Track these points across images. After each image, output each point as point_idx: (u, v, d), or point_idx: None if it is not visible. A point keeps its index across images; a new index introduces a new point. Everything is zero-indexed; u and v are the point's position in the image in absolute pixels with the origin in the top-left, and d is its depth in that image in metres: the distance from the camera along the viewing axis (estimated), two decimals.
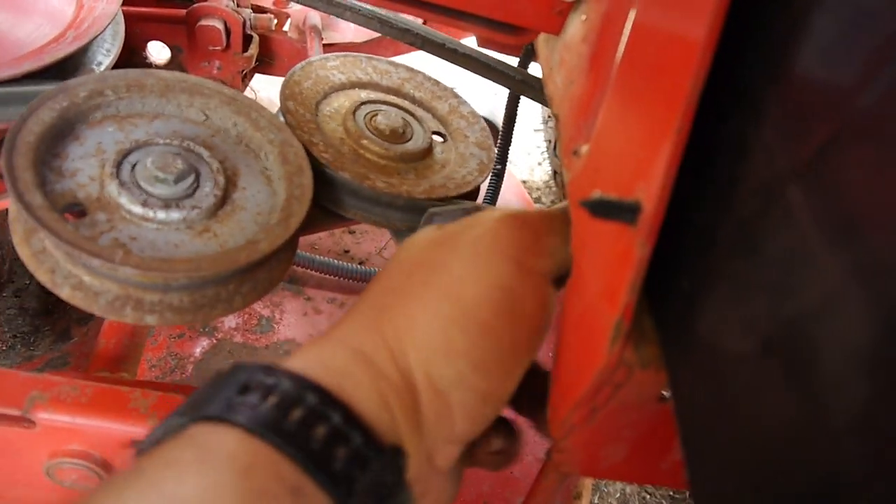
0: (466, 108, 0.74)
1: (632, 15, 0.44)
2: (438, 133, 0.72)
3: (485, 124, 0.73)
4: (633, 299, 0.37)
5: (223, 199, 0.53)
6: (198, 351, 0.94)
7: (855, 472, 0.25)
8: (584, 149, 0.47)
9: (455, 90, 0.76)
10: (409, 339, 0.40)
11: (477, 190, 0.69)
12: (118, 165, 0.50)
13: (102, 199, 0.49)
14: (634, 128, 0.41)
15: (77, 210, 0.48)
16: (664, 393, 0.42)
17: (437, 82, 0.76)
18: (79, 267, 0.47)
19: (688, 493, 1.49)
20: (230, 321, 0.97)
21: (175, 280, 0.46)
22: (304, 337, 0.99)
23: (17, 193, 0.44)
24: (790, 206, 0.30)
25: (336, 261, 1.06)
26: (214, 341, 0.95)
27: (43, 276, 0.47)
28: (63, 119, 0.50)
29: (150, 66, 1.05)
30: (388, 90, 0.73)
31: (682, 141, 0.35)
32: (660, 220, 0.36)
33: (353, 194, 0.62)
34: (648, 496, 1.45)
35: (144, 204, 0.49)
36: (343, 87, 0.70)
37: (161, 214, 0.49)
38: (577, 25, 0.53)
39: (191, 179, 0.51)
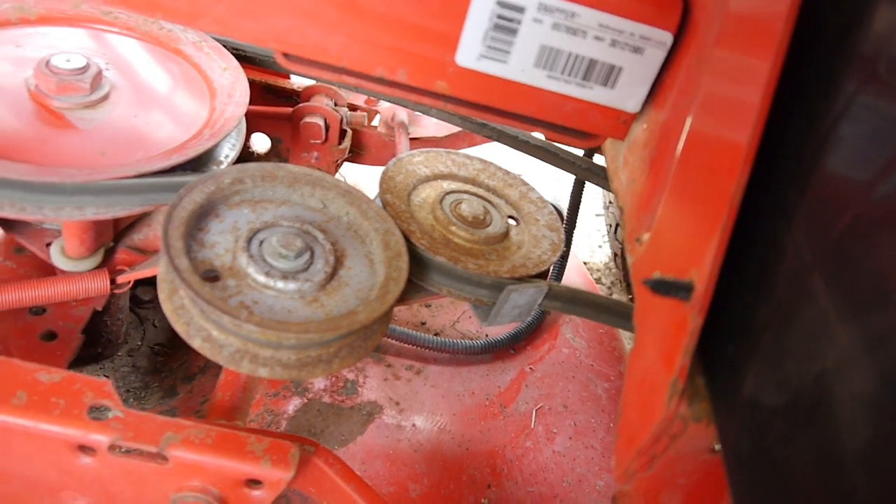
0: (535, 195, 0.83)
1: (688, 122, 0.53)
2: (512, 217, 0.81)
3: (552, 208, 0.82)
4: (688, 362, 0.45)
5: (331, 276, 0.62)
6: (291, 408, 1.03)
7: (869, 500, 0.32)
8: (646, 237, 0.56)
9: (523, 177, 0.85)
10: None
11: (547, 271, 0.77)
12: (249, 241, 0.60)
13: (234, 268, 0.58)
14: (689, 220, 0.49)
15: (212, 276, 0.57)
16: (715, 446, 0.49)
17: (507, 172, 0.85)
18: (209, 322, 0.56)
19: None
20: (319, 383, 1.07)
21: (287, 339, 0.56)
22: (384, 399, 1.08)
23: (169, 257, 0.54)
24: (813, 290, 0.38)
25: (414, 331, 1.15)
26: (305, 400, 1.05)
27: (180, 328, 0.57)
28: (210, 200, 0.61)
29: (252, 154, 1.18)
30: (465, 180, 0.83)
31: (727, 232, 0.44)
32: (710, 297, 0.44)
33: (446, 274, 0.70)
34: None
35: (267, 274, 0.58)
36: (428, 179, 0.81)
37: (280, 284, 0.58)
38: (639, 132, 0.63)
39: (307, 256, 0.61)
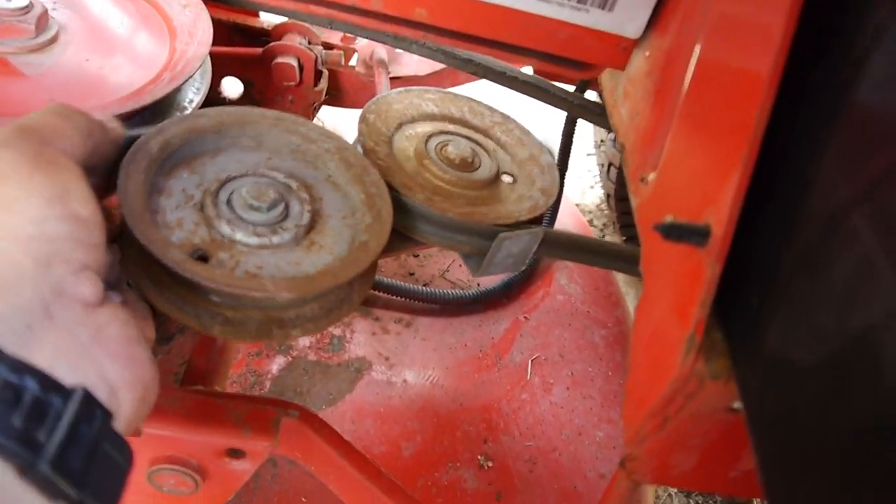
0: (546, 160, 0.77)
1: (696, 51, 0.47)
2: (509, 174, 0.75)
3: (556, 176, 0.76)
4: (705, 315, 0.41)
5: (316, 214, 0.56)
6: (275, 368, 0.99)
7: None
8: (652, 176, 0.51)
9: (543, 144, 0.79)
10: None
11: (541, 217, 0.72)
12: (215, 206, 0.53)
13: (216, 239, 0.51)
14: (702, 157, 0.44)
15: (201, 255, 0.50)
16: (734, 404, 0.44)
17: (527, 132, 0.79)
18: (220, 306, 0.50)
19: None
20: (304, 340, 1.02)
21: (313, 292, 0.50)
22: (373, 354, 1.04)
23: (157, 255, 0.46)
24: (855, 230, 0.33)
25: (402, 282, 1.10)
26: (290, 359, 1.00)
27: (192, 323, 0.50)
28: (148, 177, 0.52)
29: (224, 100, 1.12)
30: (475, 128, 0.77)
31: (749, 170, 0.38)
32: (728, 242, 0.39)
33: (421, 218, 0.65)
34: None
35: (256, 234, 0.52)
36: (433, 118, 0.75)
37: (275, 239, 0.52)
38: (640, 61, 0.57)
39: (282, 203, 0.55)
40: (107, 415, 0.38)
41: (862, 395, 0.31)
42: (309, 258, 0.53)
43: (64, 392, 0.36)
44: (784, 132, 0.39)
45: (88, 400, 0.37)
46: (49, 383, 0.35)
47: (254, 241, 0.52)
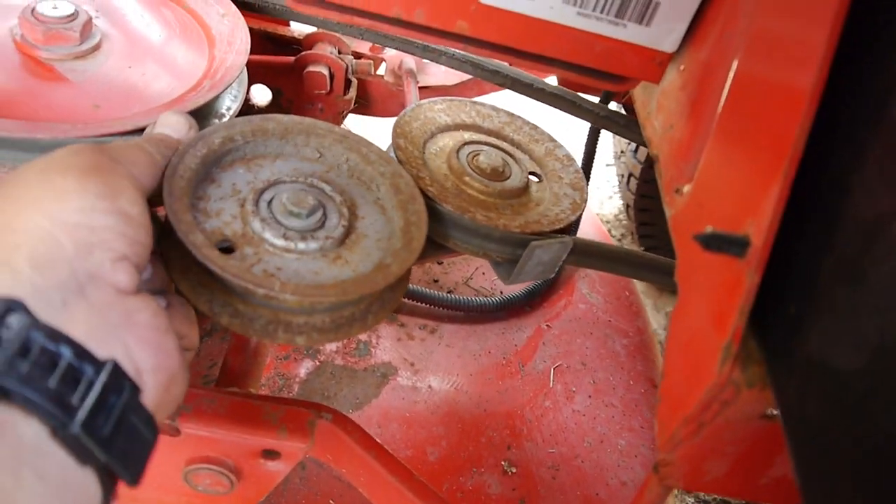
0: (562, 152, 0.79)
1: (734, 65, 0.48)
2: (534, 174, 0.76)
3: (579, 167, 0.78)
4: (742, 324, 0.41)
5: (349, 229, 0.58)
6: (302, 372, 1.00)
7: None
8: (687, 188, 0.52)
9: (552, 135, 0.81)
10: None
11: (570, 226, 0.73)
12: (256, 203, 0.55)
13: (247, 234, 0.54)
14: (741, 169, 0.45)
15: (227, 246, 0.53)
16: (769, 411, 0.45)
17: (535, 126, 0.81)
18: (233, 297, 0.52)
19: None
20: (331, 345, 1.04)
21: (322, 304, 0.52)
22: (398, 360, 1.05)
23: (182, 234, 0.49)
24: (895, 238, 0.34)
25: (427, 289, 1.11)
26: (317, 363, 1.02)
27: (202, 307, 0.52)
28: (204, 164, 0.56)
29: (252, 107, 1.13)
30: (489, 132, 0.78)
31: (789, 182, 0.39)
32: (768, 252, 0.40)
33: (454, 226, 0.67)
34: None
35: (285, 237, 0.54)
36: (448, 128, 0.76)
37: (301, 245, 0.54)
38: (675, 74, 0.58)
39: (320, 212, 0.57)
40: (135, 388, 0.40)
41: None
42: (330, 270, 0.54)
43: (96, 362, 0.38)
44: (825, 139, 0.40)
45: (118, 372, 0.39)
46: (83, 352, 0.38)
47: (280, 242, 0.53)
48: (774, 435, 0.46)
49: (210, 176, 0.57)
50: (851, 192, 0.38)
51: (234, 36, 0.81)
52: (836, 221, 0.39)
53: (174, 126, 0.55)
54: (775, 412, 0.44)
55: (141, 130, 0.66)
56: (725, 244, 0.43)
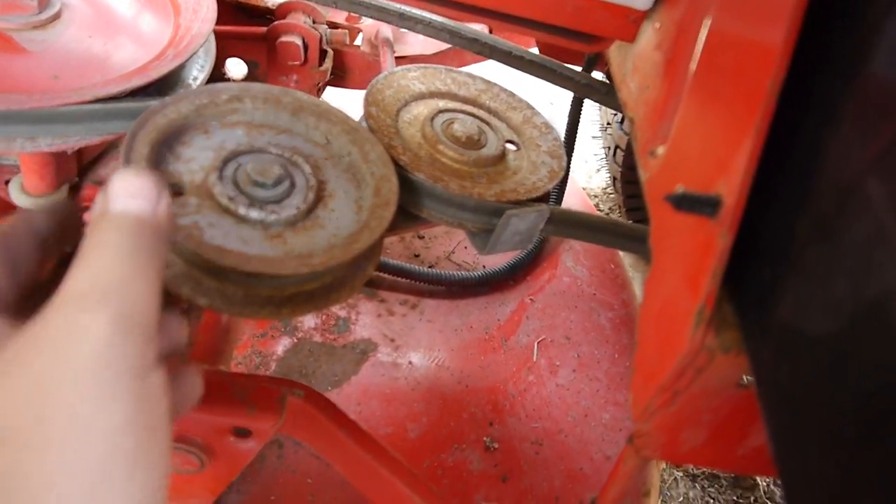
0: (540, 119, 0.77)
1: (706, 23, 0.47)
2: (512, 142, 0.75)
3: (557, 135, 0.76)
4: (715, 287, 0.40)
5: (306, 214, 0.55)
6: (280, 349, 0.99)
7: None
8: (662, 149, 0.50)
9: (530, 103, 0.79)
10: None
11: (547, 195, 0.71)
12: (226, 161, 0.55)
13: (201, 186, 0.53)
14: (713, 128, 0.43)
15: (175, 190, 0.52)
16: (744, 378, 0.44)
17: (512, 94, 0.79)
18: None
19: (752, 500, 1.48)
20: (310, 321, 1.02)
21: (218, 267, 0.50)
22: (378, 336, 1.03)
23: (126, 161, 0.49)
24: (868, 197, 0.33)
25: (408, 264, 1.10)
26: (295, 340, 1.00)
27: None
28: (200, 113, 0.56)
29: (227, 80, 1.11)
30: (465, 100, 0.76)
31: (760, 140, 0.37)
32: (740, 212, 0.39)
33: (428, 195, 0.65)
34: (712, 501, 1.45)
35: (231, 198, 0.52)
36: (423, 96, 0.74)
37: (241, 210, 0.52)
38: (650, 33, 0.56)
39: (283, 188, 0.55)
40: None
41: (878, 362, 0.31)
42: (260, 245, 0.52)
43: None
44: (798, 100, 0.38)
45: None
46: None
47: (223, 202, 0.52)
48: (751, 404, 0.45)
49: (205, 126, 0.57)
50: (825, 151, 0.37)
51: (199, 4, 0.78)
52: (810, 181, 0.37)
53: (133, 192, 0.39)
54: (750, 379, 0.43)
55: (100, 101, 0.65)
56: (697, 204, 0.41)
